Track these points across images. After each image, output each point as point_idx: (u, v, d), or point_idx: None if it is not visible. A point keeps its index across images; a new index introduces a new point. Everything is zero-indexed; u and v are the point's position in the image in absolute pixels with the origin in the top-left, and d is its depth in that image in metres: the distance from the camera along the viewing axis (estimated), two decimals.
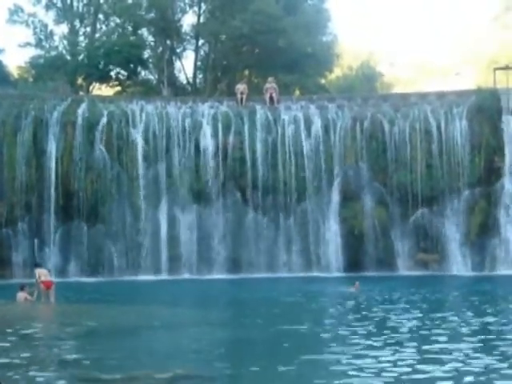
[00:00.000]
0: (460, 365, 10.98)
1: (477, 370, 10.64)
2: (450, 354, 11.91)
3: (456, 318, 16.91)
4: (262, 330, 15.65)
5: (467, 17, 67.42)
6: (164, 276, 35.05)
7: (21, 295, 22.28)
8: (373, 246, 36.04)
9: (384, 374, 10.30)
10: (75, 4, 49.04)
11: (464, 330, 15.06)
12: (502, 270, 34.47)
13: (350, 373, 10.48)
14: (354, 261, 35.56)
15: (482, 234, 35.73)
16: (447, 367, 10.78)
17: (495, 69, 41.51)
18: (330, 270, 35.70)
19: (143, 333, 15.39)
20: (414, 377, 10.22)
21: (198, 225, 36.30)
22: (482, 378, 10.13)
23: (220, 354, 13.00)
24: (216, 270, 35.69)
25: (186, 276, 35.09)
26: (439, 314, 17.90)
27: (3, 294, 22.76)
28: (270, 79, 39.29)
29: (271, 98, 38.43)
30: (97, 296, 25.51)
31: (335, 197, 36.72)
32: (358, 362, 11.21)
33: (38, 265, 24.51)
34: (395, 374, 10.24)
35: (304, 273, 35.29)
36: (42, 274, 22.77)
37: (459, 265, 35.71)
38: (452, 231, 36.17)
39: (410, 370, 10.60)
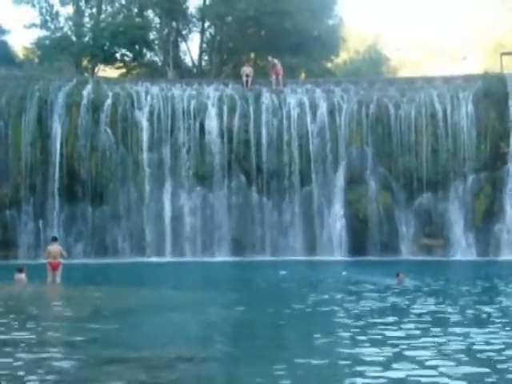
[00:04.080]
0: None
1: None
2: None
3: None
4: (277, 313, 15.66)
5: (474, 1, 67.01)
6: (168, 258, 35.12)
7: (19, 277, 22.29)
8: (377, 230, 36.02)
9: None
10: None
11: None
12: (507, 255, 34.44)
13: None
14: (357, 245, 35.57)
15: (486, 219, 35.70)
16: None
17: (502, 54, 41.36)
18: (334, 254, 35.72)
19: (148, 314, 15.43)
20: None
21: (202, 207, 36.32)
22: None
23: (225, 335, 13.03)
24: (220, 252, 35.74)
25: (190, 258, 35.15)
26: None
27: (8, 275, 22.79)
28: (269, 58, 39.21)
29: (276, 73, 38.41)
30: (101, 278, 25.56)
31: (340, 181, 36.69)
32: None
33: (54, 239, 24.28)
34: None
35: (308, 256, 35.31)
36: (51, 253, 22.71)
37: (463, 250, 35.70)
38: (457, 216, 36.13)
39: None
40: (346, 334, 12.44)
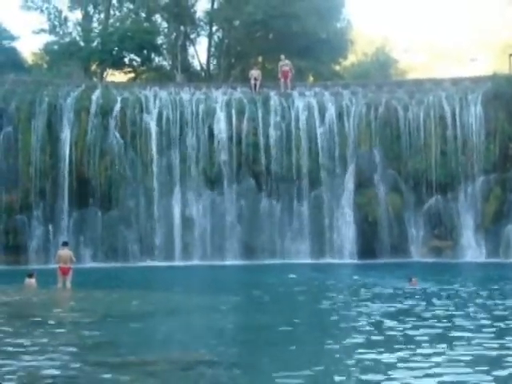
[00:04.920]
0: None
1: None
2: None
3: None
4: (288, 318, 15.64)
5: (482, 2, 66.92)
6: (177, 262, 35.11)
7: (29, 282, 22.35)
8: (387, 232, 35.95)
9: None
10: None
11: None
12: None
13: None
14: (367, 248, 35.50)
15: (496, 220, 35.58)
16: None
17: (511, 55, 41.23)
18: (344, 257, 35.67)
19: (158, 318, 15.46)
20: None
21: (211, 211, 36.33)
22: None
23: (234, 339, 13.04)
24: (229, 256, 35.74)
25: (200, 262, 35.15)
26: None
27: (18, 280, 22.87)
28: (282, 57, 39.19)
29: (285, 75, 38.43)
30: (111, 282, 25.61)
31: (349, 183, 36.64)
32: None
33: (64, 243, 24.33)
34: None
35: (317, 259, 35.28)
36: (62, 258, 22.78)
37: (473, 252, 35.58)
38: (466, 218, 36.04)
39: None
40: (372, 338, 12.32)
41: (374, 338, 12.31)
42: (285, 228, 36.35)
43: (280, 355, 11.13)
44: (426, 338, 12.24)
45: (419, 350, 11.06)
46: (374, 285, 22.34)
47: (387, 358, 10.61)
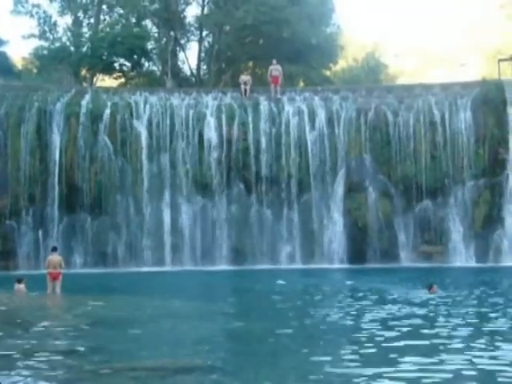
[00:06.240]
0: None
1: None
2: None
3: None
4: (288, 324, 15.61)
5: (472, 7, 67.17)
6: (168, 267, 35.10)
7: (18, 287, 22.27)
8: (376, 237, 36.01)
9: None
10: None
11: None
12: (506, 262, 34.42)
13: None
14: (357, 252, 35.56)
15: (486, 225, 35.70)
16: None
17: (500, 60, 41.40)
18: (334, 262, 35.71)
19: (147, 324, 15.40)
20: None
21: (201, 216, 36.32)
22: None
23: (224, 346, 13.01)
24: (219, 261, 35.73)
25: (190, 267, 35.13)
26: None
27: (7, 285, 22.78)
28: (274, 61, 39.17)
29: (275, 81, 38.47)
30: (101, 287, 25.54)
31: (339, 188, 36.69)
32: None
33: (54, 249, 24.21)
34: None
35: (307, 264, 35.30)
36: (51, 263, 22.68)
37: (463, 256, 35.68)
38: (456, 223, 36.13)
39: None
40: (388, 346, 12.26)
41: (369, 351, 12.14)
42: (275, 233, 36.36)
43: (271, 363, 11.12)
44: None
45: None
46: (376, 291, 22.06)
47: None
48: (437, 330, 13.55)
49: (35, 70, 47.52)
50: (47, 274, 22.70)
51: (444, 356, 10.81)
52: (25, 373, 10.04)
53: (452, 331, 13.44)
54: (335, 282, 27.46)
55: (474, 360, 10.52)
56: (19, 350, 11.80)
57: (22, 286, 22.33)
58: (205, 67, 49.80)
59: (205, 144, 36.89)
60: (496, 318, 15.16)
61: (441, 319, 15.26)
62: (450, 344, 12.04)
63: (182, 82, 47.09)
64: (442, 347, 11.64)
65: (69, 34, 48.50)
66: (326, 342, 12.95)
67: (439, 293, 20.50)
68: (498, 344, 11.86)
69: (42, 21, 48.56)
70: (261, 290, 23.39)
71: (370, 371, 9.88)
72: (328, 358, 11.00)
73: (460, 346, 11.90)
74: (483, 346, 11.73)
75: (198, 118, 37.29)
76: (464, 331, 13.43)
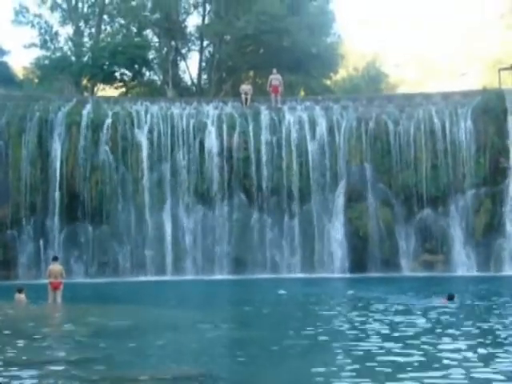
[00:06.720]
0: None
1: None
2: None
3: None
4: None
5: (472, 17, 67.28)
6: (168, 277, 35.07)
7: (19, 297, 22.25)
8: (377, 246, 35.98)
9: None
10: (80, 5, 49.19)
11: None
12: (508, 271, 34.37)
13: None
14: (358, 262, 35.54)
15: (487, 234, 35.67)
16: None
17: (500, 69, 41.45)
18: (335, 271, 35.67)
19: (149, 333, 15.39)
20: None
21: (202, 225, 36.32)
22: None
23: (225, 354, 12.99)
24: (220, 270, 35.72)
25: (191, 276, 35.10)
26: None
27: (8, 295, 22.75)
28: (274, 71, 39.15)
29: (275, 90, 38.44)
30: (102, 297, 25.51)
31: (340, 198, 36.69)
32: None
33: (54, 258, 24.17)
34: None
35: (308, 274, 35.25)
36: (52, 273, 22.67)
37: (464, 265, 35.64)
38: (457, 232, 36.12)
39: None
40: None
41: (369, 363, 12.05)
42: (276, 242, 36.34)
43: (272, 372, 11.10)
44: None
45: None
46: (379, 300, 21.94)
47: None
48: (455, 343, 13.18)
49: (36, 80, 47.62)
50: (48, 283, 22.69)
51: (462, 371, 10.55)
52: (25, 383, 10.04)
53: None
54: (336, 292, 27.42)
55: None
56: (20, 359, 11.79)
57: (22, 296, 22.32)
58: (205, 77, 49.88)
59: (206, 153, 36.91)
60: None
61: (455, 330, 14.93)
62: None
63: (183, 92, 47.18)
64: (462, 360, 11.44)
65: (70, 43, 48.63)
66: (327, 352, 12.92)
67: (456, 302, 20.04)
68: None
69: (43, 31, 48.71)
70: (261, 300, 23.33)
71: None
72: (330, 369, 10.96)
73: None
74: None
75: (199, 127, 37.34)
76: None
